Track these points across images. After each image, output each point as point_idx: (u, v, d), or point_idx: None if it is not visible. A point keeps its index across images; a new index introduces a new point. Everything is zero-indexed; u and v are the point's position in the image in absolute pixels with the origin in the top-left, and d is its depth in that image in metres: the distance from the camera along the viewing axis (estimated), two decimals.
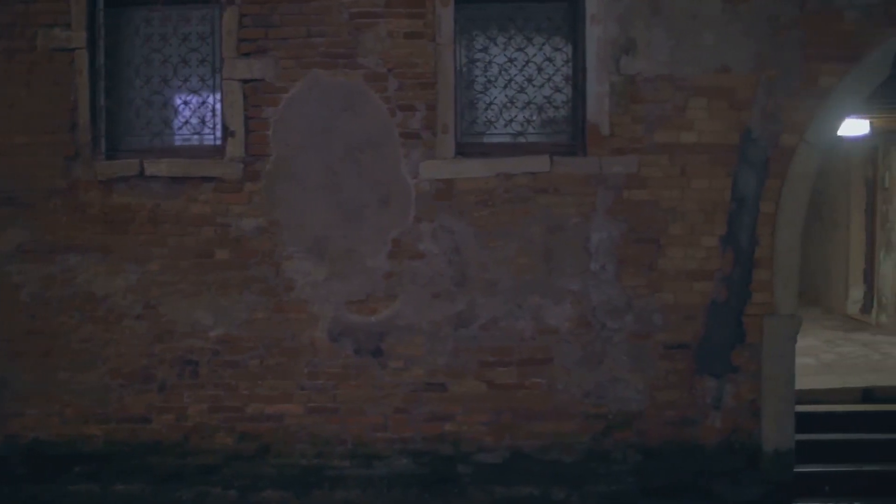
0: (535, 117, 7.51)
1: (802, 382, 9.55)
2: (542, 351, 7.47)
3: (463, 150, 7.43)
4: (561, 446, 7.51)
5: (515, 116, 7.50)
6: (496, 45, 7.49)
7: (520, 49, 7.48)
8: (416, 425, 7.50)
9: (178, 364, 7.52)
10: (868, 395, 9.30)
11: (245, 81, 7.39)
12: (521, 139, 7.50)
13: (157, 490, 7.55)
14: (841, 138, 10.97)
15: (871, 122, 10.48)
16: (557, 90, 7.48)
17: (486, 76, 7.50)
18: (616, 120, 7.36)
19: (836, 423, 8.98)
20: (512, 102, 7.50)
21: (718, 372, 7.51)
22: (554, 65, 7.48)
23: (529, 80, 7.49)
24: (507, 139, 7.51)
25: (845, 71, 7.40)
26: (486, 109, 7.50)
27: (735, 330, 7.49)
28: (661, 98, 7.37)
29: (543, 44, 7.47)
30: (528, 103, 7.50)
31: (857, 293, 12.72)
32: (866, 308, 12.52)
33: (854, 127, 10.55)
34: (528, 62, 7.48)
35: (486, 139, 7.50)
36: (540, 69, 7.48)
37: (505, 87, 7.49)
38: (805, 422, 8.89)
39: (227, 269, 7.48)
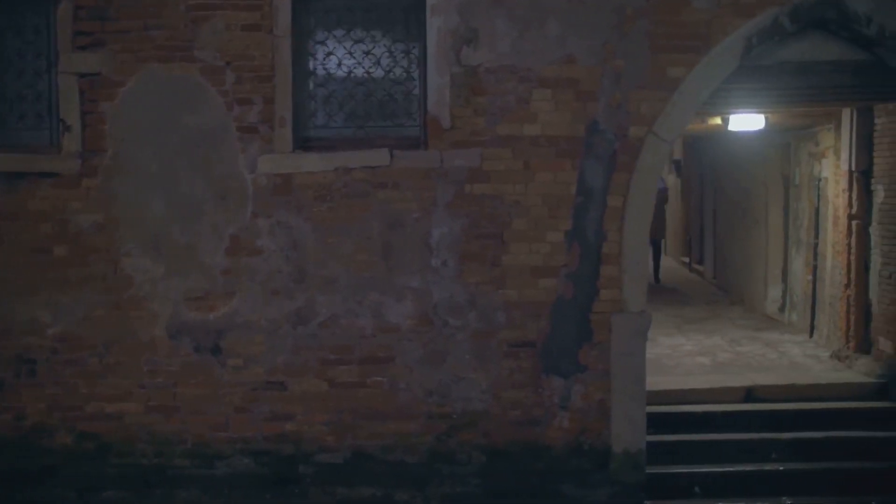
0: (376, 110, 7.35)
1: (688, 382, 9.42)
2: (384, 349, 7.31)
3: (303, 145, 7.29)
4: (404, 446, 7.35)
5: (356, 109, 7.36)
6: (336, 36, 7.34)
7: (360, 41, 7.32)
8: (256, 425, 7.36)
9: (16, 363, 7.39)
10: (750, 394, 9.11)
11: (81, 75, 7.27)
12: (362, 133, 7.35)
13: None
14: (735, 133, 10.80)
15: (766, 117, 10.27)
16: (399, 82, 7.34)
17: (326, 68, 7.35)
18: (458, 112, 7.20)
19: (718, 423, 8.81)
20: (352, 95, 7.35)
21: (566, 371, 7.33)
22: (395, 56, 7.34)
23: (370, 73, 7.33)
24: (347, 133, 7.36)
25: (694, 61, 7.23)
26: (327, 102, 7.36)
27: (582, 328, 7.31)
28: (504, 89, 7.21)
29: (384, 35, 7.32)
30: (370, 96, 7.35)
31: (775, 292, 12.48)
32: (784, 307, 12.29)
33: (750, 122, 10.35)
34: (368, 53, 7.33)
35: (326, 133, 7.36)
36: (381, 61, 7.33)
37: (345, 79, 7.35)
38: (681, 422, 8.78)
39: (66, 266, 7.36)
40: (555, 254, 7.28)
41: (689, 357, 10.39)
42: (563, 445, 7.37)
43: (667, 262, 17.87)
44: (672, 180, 18.62)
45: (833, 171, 10.28)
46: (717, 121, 10.66)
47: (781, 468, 8.37)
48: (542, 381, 7.32)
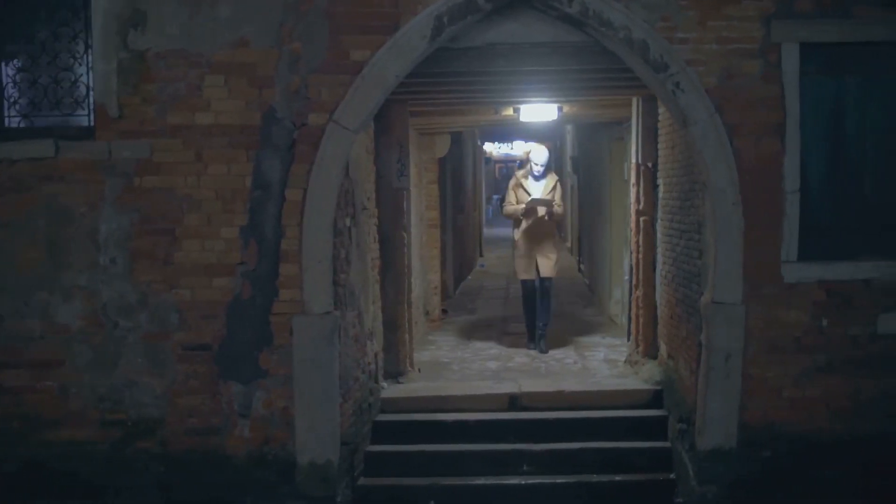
0: (43, 98, 6.92)
1: (450, 389, 8.91)
2: (53, 352, 6.88)
3: None
4: (78, 455, 6.91)
5: (19, 97, 6.93)
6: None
7: (24, 24, 6.90)
8: None
9: None
10: (514, 402, 8.57)
11: None
12: (28, 122, 6.93)
13: None
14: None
15: (560, 107, 9.70)
16: (66, 69, 6.90)
17: None
18: (126, 101, 6.77)
19: (471, 433, 8.27)
20: (16, 82, 6.93)
21: (246, 377, 6.87)
22: (62, 41, 6.89)
23: (35, 58, 6.90)
24: (12, 122, 6.94)
25: (380, 43, 6.72)
26: None
27: (262, 330, 6.84)
28: (175, 76, 6.75)
29: (50, 18, 6.88)
30: (35, 83, 6.92)
31: (618, 293, 11.84)
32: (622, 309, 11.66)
33: (543, 112, 9.79)
34: (32, 38, 6.90)
35: None
36: (46, 46, 6.89)
37: (9, 64, 6.93)
38: (429, 431, 8.27)
39: None
40: (230, 251, 6.81)
41: (481, 362, 9.85)
42: (246, 456, 6.90)
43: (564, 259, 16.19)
44: (572, 179, 17.84)
45: None
46: (510, 112, 10.09)
47: (525, 482, 7.83)
48: (220, 387, 6.86)
